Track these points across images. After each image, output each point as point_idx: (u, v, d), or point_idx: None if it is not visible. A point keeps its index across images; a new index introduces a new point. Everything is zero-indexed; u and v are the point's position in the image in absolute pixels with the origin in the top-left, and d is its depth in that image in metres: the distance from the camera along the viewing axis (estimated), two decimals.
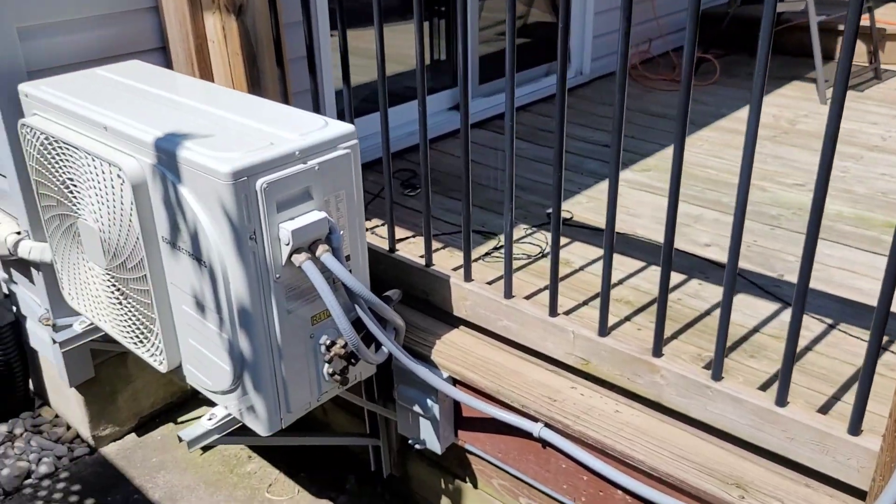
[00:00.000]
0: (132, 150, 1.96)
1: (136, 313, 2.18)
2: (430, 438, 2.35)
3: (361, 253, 2.08)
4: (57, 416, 3.18)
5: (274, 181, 1.79)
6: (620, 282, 2.66)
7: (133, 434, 3.11)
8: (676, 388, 1.92)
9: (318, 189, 1.90)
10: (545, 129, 4.11)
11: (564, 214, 3.18)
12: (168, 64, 2.73)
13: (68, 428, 3.10)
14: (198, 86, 2.34)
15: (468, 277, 2.34)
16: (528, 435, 2.14)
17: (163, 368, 2.20)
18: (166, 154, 1.86)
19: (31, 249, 2.56)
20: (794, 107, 4.46)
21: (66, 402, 3.06)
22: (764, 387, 2.00)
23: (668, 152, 3.86)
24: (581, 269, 2.74)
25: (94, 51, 2.57)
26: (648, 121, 4.21)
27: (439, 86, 4.08)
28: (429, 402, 2.28)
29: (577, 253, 2.85)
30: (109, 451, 3.02)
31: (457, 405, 2.34)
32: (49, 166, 2.23)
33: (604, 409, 2.05)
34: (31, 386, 3.18)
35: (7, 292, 2.95)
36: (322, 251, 1.89)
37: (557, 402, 2.08)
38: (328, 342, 2.05)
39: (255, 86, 2.59)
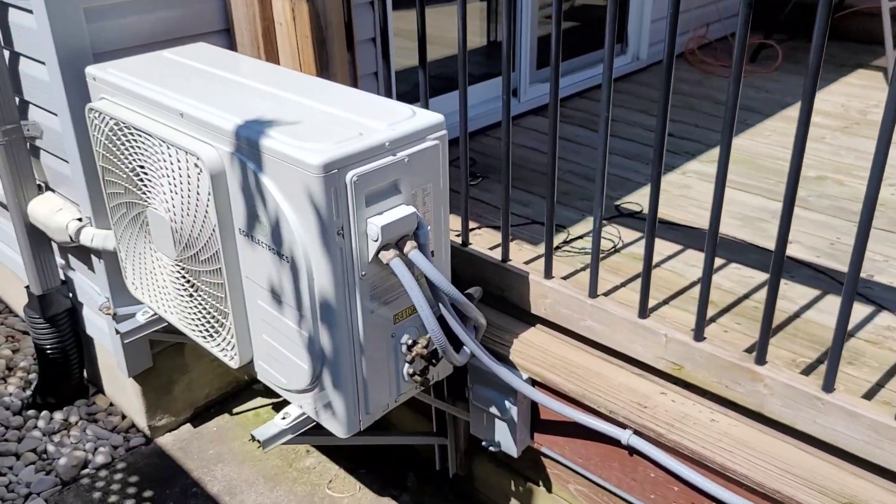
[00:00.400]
0: (210, 139, 1.88)
1: (208, 307, 2.10)
2: (505, 441, 2.26)
3: (445, 249, 1.99)
4: (111, 404, 3.13)
5: (364, 174, 1.70)
6: (699, 280, 2.54)
7: (188, 424, 3.05)
8: (782, 398, 1.81)
9: (406, 182, 1.80)
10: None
11: (634, 207, 3.07)
12: (232, 46, 2.64)
13: (123, 417, 3.05)
14: (270, 70, 2.25)
15: (548, 274, 2.24)
16: (614, 441, 2.04)
17: (233, 364, 2.12)
18: (249, 143, 1.77)
19: (93, 237, 2.50)
20: (863, 96, 4.28)
21: (121, 391, 3.00)
22: (868, 396, 1.89)
23: (737, 141, 3.72)
24: (658, 265, 2.63)
25: (158, 32, 2.48)
26: (712, 108, 4.06)
27: (496, 70, 3.96)
28: (507, 403, 2.19)
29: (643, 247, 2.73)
30: (165, 441, 2.97)
31: (534, 407, 2.25)
32: (118, 153, 2.16)
33: (698, 417, 1.95)
34: (85, 373, 3.13)
35: (64, 278, 2.89)
36: (410, 248, 1.79)
37: (648, 408, 1.98)
38: (409, 341, 1.96)
39: (324, 70, 2.49)
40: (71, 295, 2.92)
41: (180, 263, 2.12)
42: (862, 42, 5.08)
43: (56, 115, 2.44)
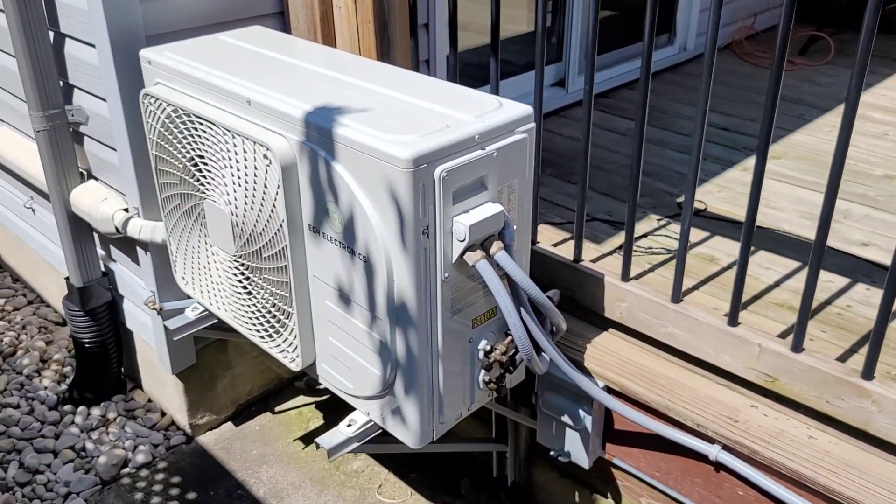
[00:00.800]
0: (280, 128, 1.75)
1: (269, 305, 1.99)
2: (576, 451, 2.14)
3: (525, 249, 1.87)
4: (150, 400, 3.02)
5: (453, 169, 1.57)
6: (777, 283, 2.42)
7: (230, 423, 2.94)
8: (893, 416, 1.68)
9: (493, 178, 1.68)
10: (655, 108, 3.84)
11: (697, 205, 2.93)
12: (286, 30, 2.51)
13: (163, 414, 2.95)
14: (335, 55, 2.12)
15: (626, 276, 2.11)
16: (699, 456, 1.92)
17: (294, 367, 2.01)
18: (325, 134, 1.64)
19: (141, 228, 2.38)
20: None
21: (161, 387, 2.90)
22: None
23: (797, 137, 3.59)
24: (730, 267, 2.50)
25: (212, 14, 2.36)
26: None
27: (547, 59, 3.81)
28: (581, 413, 2.07)
29: (720, 248, 2.61)
30: (207, 440, 2.86)
31: (607, 416, 2.13)
32: (174, 141, 2.04)
33: (795, 434, 1.83)
34: (122, 368, 3.03)
35: (104, 270, 2.78)
36: (496, 249, 1.67)
37: (739, 422, 1.86)
38: (487, 347, 1.84)
39: (385, 57, 2.37)
40: (111, 287, 2.81)
41: (239, 259, 2.00)
42: None
43: (105, 100, 2.32)
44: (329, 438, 1.91)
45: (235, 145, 1.84)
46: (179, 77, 2.01)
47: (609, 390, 2.06)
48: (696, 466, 1.97)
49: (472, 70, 3.37)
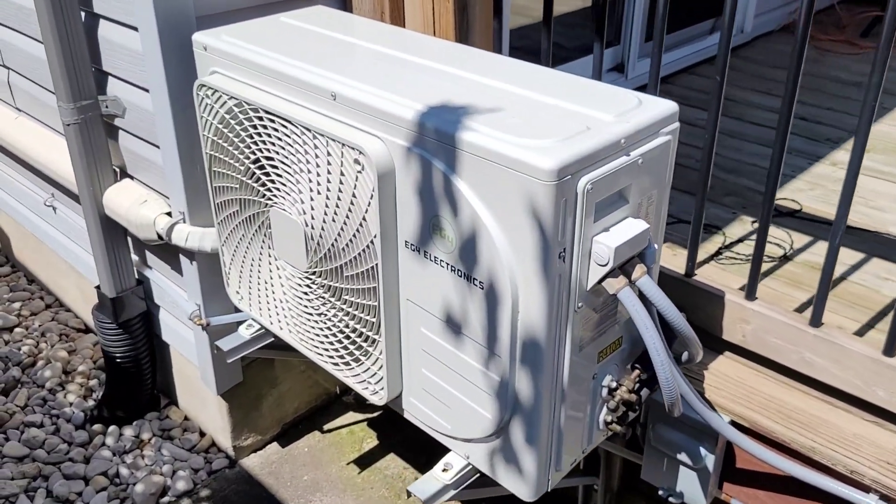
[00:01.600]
0: (375, 128, 1.48)
1: (348, 330, 1.72)
2: (691, 492, 1.89)
3: (655, 270, 1.60)
4: (187, 418, 2.76)
5: (597, 181, 1.30)
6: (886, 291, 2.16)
7: (275, 443, 2.68)
8: None
9: (635, 190, 1.41)
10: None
11: (792, 205, 2.67)
12: (346, 10, 2.23)
13: (202, 434, 2.69)
14: (423, 41, 1.84)
15: (752, 294, 1.85)
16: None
17: (377, 400, 1.75)
18: (440, 138, 1.37)
19: (188, 235, 2.11)
20: None
21: (200, 405, 2.63)
22: None
23: (881, 128, 3.31)
24: (845, 277, 2.24)
25: None
26: (840, 89, 3.65)
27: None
28: (702, 451, 1.82)
29: (822, 253, 2.34)
30: (252, 464, 2.61)
31: (727, 451, 1.87)
32: (236, 140, 1.76)
33: None
34: (156, 383, 2.76)
35: (139, 278, 2.51)
36: (639, 274, 1.40)
37: None
38: (613, 384, 1.58)
39: (464, 40, 2.09)
40: (145, 297, 2.54)
41: (313, 276, 1.73)
42: None
43: (147, 90, 2.04)
44: (423, 487, 1.65)
45: (317, 147, 1.57)
46: (243, 65, 1.72)
47: (734, 425, 1.80)
48: None
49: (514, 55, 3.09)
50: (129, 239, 2.43)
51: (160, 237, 2.18)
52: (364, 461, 2.61)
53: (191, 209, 2.10)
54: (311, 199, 1.64)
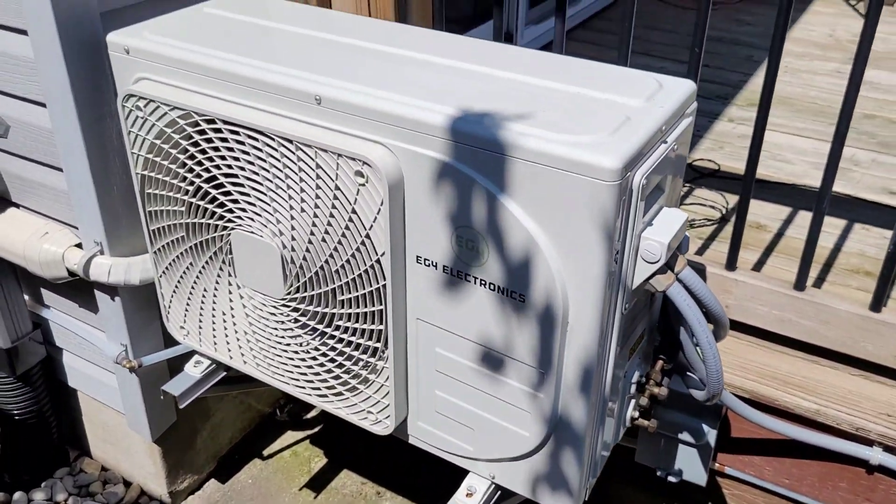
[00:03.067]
0: (376, 133, 1.30)
1: (342, 358, 1.54)
2: (692, 469, 1.87)
3: None
4: (104, 468, 2.44)
5: (649, 174, 1.21)
6: (838, 248, 2.25)
7: (213, 480, 2.43)
8: None
9: (669, 177, 1.33)
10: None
11: (711, 166, 2.72)
12: None
13: (127, 484, 2.38)
14: (389, 28, 1.65)
15: (732, 265, 1.84)
16: (846, 459, 1.71)
17: (379, 429, 1.58)
18: (466, 140, 1.22)
19: (110, 269, 1.81)
20: (841, 24, 4.16)
21: (123, 453, 2.33)
22: None
23: (759, 82, 3.45)
24: (781, 234, 2.31)
25: None
26: (712, 45, 3.77)
27: (487, 13, 3.43)
28: (704, 427, 1.80)
29: (759, 213, 2.41)
30: None
31: (721, 424, 1.88)
32: (181, 156, 1.51)
33: None
34: (61, 435, 2.41)
35: (34, 320, 2.16)
36: (681, 266, 1.33)
37: None
38: (640, 378, 1.51)
39: (402, 21, 1.92)
40: (44, 340, 2.19)
41: (292, 304, 1.53)
42: None
43: (42, 104, 1.71)
44: None
45: (300, 160, 1.36)
46: (184, 68, 1.47)
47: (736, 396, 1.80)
48: (840, 470, 1.76)
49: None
50: (18, 278, 2.07)
51: (72, 274, 1.87)
52: (317, 483, 2.42)
53: (110, 238, 1.80)
54: (292, 219, 1.43)
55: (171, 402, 2.14)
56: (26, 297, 2.15)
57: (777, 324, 1.81)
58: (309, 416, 2.65)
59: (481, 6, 3.46)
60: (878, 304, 1.70)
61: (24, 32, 1.64)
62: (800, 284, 1.77)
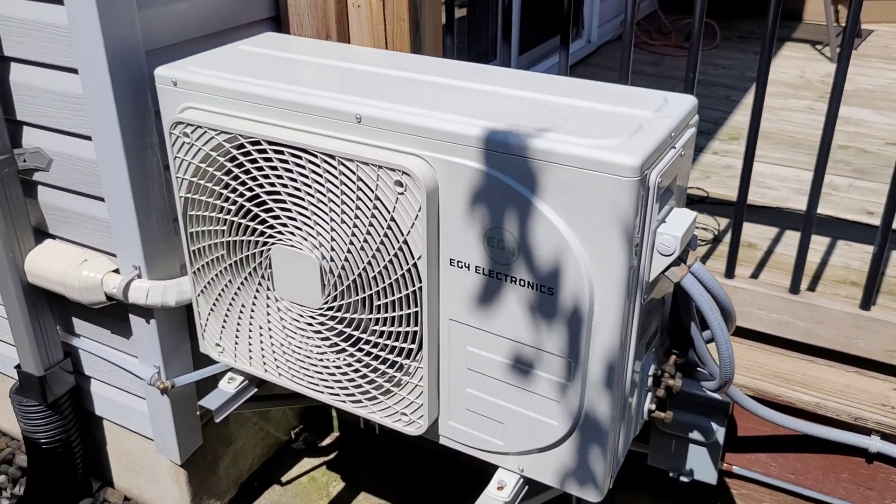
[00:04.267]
0: (413, 146, 1.44)
1: (376, 363, 1.64)
2: (702, 469, 1.97)
3: None
4: (127, 498, 2.49)
5: (662, 173, 1.35)
6: (824, 262, 2.40)
7: None
8: None
9: (678, 181, 1.48)
10: None
11: (699, 193, 2.89)
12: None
13: None
14: (410, 59, 1.80)
15: (731, 273, 1.98)
16: (848, 450, 1.83)
17: (413, 430, 1.68)
18: (496, 147, 1.36)
19: (148, 292, 1.92)
20: (809, 66, 4.41)
21: (148, 480, 2.39)
22: None
23: (738, 119, 3.66)
24: (771, 251, 2.46)
25: (207, 24, 1.94)
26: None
27: (482, 50, 3.63)
28: (713, 425, 1.91)
29: (749, 233, 2.56)
30: None
31: (729, 425, 1.99)
32: (225, 177, 1.63)
33: None
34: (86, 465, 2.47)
35: (65, 349, 2.24)
36: (693, 260, 1.47)
37: (895, 408, 1.79)
38: (657, 372, 1.63)
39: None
40: (73, 370, 2.28)
41: (329, 312, 1.64)
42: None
43: (87, 138, 1.84)
44: None
45: (342, 174, 1.49)
46: (229, 96, 1.61)
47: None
48: (841, 462, 1.88)
49: None
50: (52, 307, 2.16)
51: (109, 298, 1.97)
52: (346, 499, 2.49)
53: (148, 263, 1.91)
54: (332, 230, 1.56)
55: (197, 425, 2.23)
56: (58, 327, 2.23)
57: (775, 326, 1.94)
58: (324, 443, 2.73)
59: (480, 48, 3.65)
60: (867, 302, 1.84)
61: (72, 71, 1.77)
62: (794, 288, 1.91)
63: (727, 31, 5.02)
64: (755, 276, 2.29)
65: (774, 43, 1.79)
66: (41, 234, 2.11)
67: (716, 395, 1.84)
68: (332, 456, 2.68)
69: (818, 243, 2.47)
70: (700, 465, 1.98)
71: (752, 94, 3.94)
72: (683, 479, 2.01)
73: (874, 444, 1.78)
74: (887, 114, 3.63)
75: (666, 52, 4.55)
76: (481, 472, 2.43)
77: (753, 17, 5.31)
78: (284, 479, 2.59)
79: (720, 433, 1.92)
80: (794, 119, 3.59)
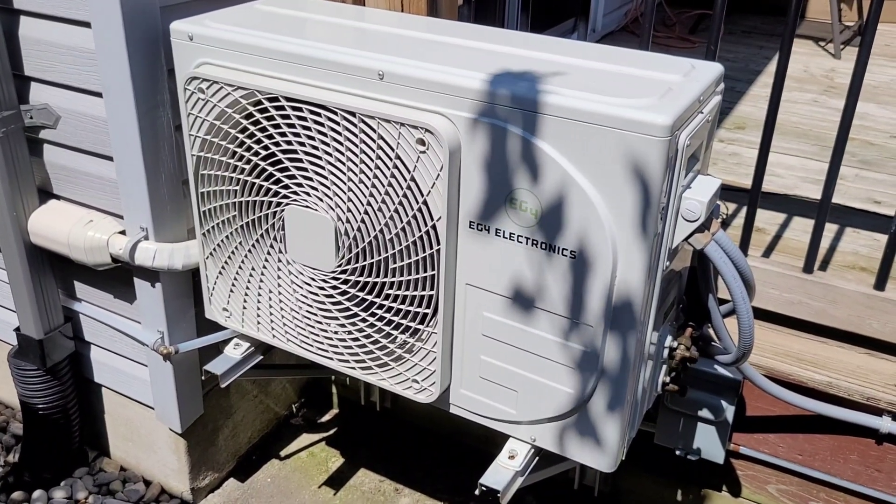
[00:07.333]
0: (436, 104, 1.41)
1: (389, 328, 1.62)
2: (710, 447, 1.96)
3: None
4: (123, 468, 2.45)
5: (691, 136, 1.33)
6: (833, 247, 2.40)
7: (232, 479, 2.46)
8: None
9: (704, 146, 1.46)
10: None
11: None
12: None
13: (147, 483, 2.40)
14: (432, 21, 1.78)
15: (744, 250, 1.97)
16: (857, 431, 1.82)
17: (424, 398, 1.66)
18: (523, 105, 1.33)
19: (155, 254, 1.89)
20: (813, 62, 4.41)
21: (143, 449, 2.36)
22: None
23: (743, 108, 3.65)
24: (779, 236, 2.45)
25: None
26: None
27: None
28: (723, 403, 1.90)
29: (758, 219, 2.55)
30: None
31: (738, 404, 1.98)
32: (240, 135, 1.60)
33: None
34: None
35: (66, 314, 2.20)
36: (716, 227, 1.45)
37: None
38: (673, 344, 1.61)
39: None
40: (73, 335, 2.24)
41: (342, 276, 1.62)
42: (769, 14, 5.31)
43: (98, 94, 1.80)
44: (495, 478, 1.59)
45: (363, 132, 1.46)
46: (248, 52, 1.58)
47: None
48: (851, 443, 1.87)
49: None
50: (53, 270, 2.12)
51: (115, 260, 1.93)
52: (336, 481, 2.46)
53: (156, 224, 1.88)
54: (349, 190, 1.53)
55: (199, 393, 2.20)
56: (59, 290, 2.19)
57: (787, 306, 1.93)
58: (323, 419, 2.70)
59: None
60: (882, 282, 1.84)
61: (85, 24, 1.73)
62: (808, 267, 1.90)
63: (730, 26, 5.02)
64: (765, 258, 2.28)
65: (793, 39, 1.77)
66: (45, 193, 2.07)
67: (727, 373, 1.82)
68: (331, 432, 2.65)
69: (828, 230, 2.45)
70: (708, 443, 1.97)
71: (756, 85, 3.96)
72: (691, 457, 2.00)
73: (885, 424, 1.77)
74: (891, 108, 3.64)
75: (670, 44, 4.54)
76: (480, 451, 2.41)
77: (756, 14, 5.31)
78: (283, 453, 2.56)
79: (730, 412, 1.91)
80: (800, 111, 3.58)
